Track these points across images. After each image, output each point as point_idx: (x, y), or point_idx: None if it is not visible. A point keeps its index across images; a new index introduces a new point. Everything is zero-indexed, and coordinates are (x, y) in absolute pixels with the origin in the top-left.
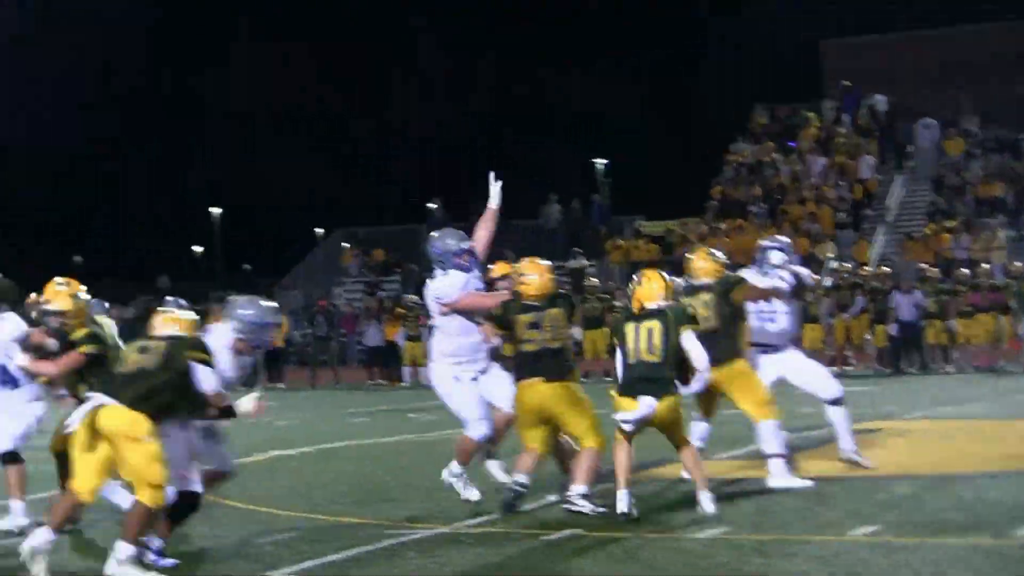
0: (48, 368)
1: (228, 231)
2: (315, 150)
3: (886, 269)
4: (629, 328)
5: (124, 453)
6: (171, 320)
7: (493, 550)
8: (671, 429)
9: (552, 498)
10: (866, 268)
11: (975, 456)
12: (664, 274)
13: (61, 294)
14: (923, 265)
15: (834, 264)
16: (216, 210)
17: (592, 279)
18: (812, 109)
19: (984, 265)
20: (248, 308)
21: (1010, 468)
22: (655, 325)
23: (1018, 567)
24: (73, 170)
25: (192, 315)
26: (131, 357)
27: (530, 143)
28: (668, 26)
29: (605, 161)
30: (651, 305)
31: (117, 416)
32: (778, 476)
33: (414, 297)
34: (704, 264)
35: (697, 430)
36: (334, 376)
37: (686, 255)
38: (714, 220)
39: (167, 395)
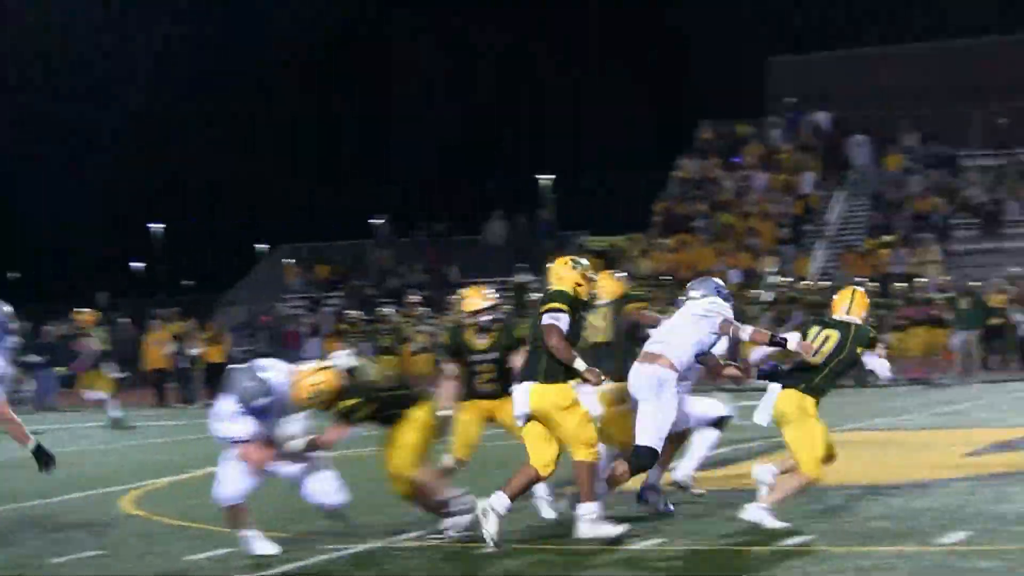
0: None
1: (169, 247)
2: (258, 163)
3: (825, 283)
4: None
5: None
6: None
7: (427, 561)
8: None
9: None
10: (805, 282)
11: (905, 466)
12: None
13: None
14: (860, 279)
15: (774, 279)
16: (157, 226)
17: (534, 294)
18: (756, 126)
19: (920, 279)
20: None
21: (938, 477)
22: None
23: (942, 572)
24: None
25: None
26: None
27: (476, 159)
28: (612, 43)
29: (551, 177)
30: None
31: (542, 394)
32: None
33: (357, 313)
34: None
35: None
36: None
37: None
38: (659, 235)
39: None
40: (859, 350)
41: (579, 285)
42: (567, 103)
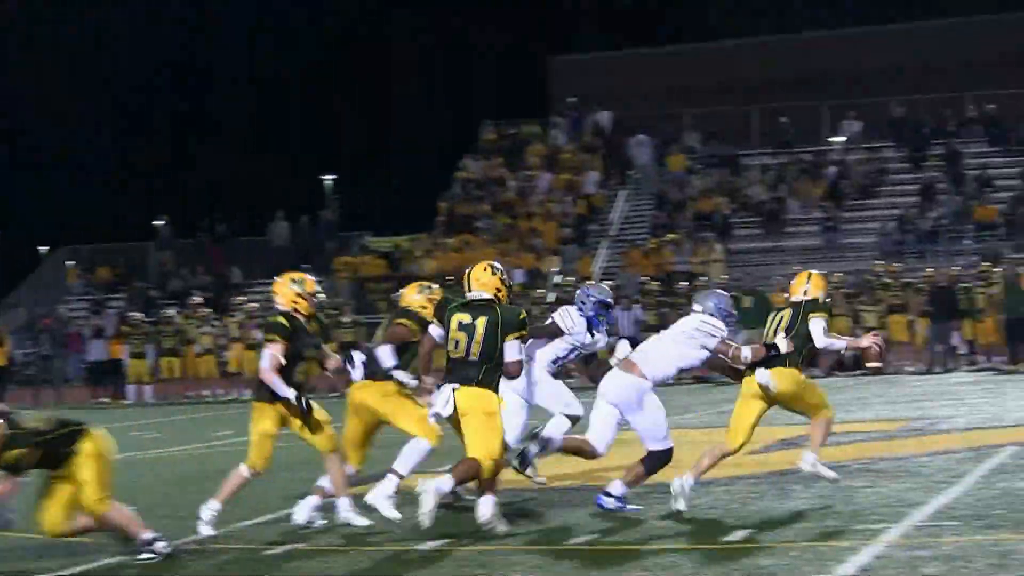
0: None
1: None
2: (40, 163)
3: (608, 283)
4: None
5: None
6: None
7: (209, 564)
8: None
9: (270, 516)
10: (589, 282)
11: (689, 464)
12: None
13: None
14: (644, 278)
15: (558, 279)
16: None
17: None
18: (540, 126)
19: (702, 278)
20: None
21: (722, 475)
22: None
23: (725, 570)
24: None
25: None
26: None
27: (257, 159)
28: (397, 41)
29: (333, 177)
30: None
31: (471, 395)
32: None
33: (140, 315)
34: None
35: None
36: (56, 395)
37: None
38: (442, 236)
39: None
40: (810, 316)
41: (499, 290)
42: (352, 104)
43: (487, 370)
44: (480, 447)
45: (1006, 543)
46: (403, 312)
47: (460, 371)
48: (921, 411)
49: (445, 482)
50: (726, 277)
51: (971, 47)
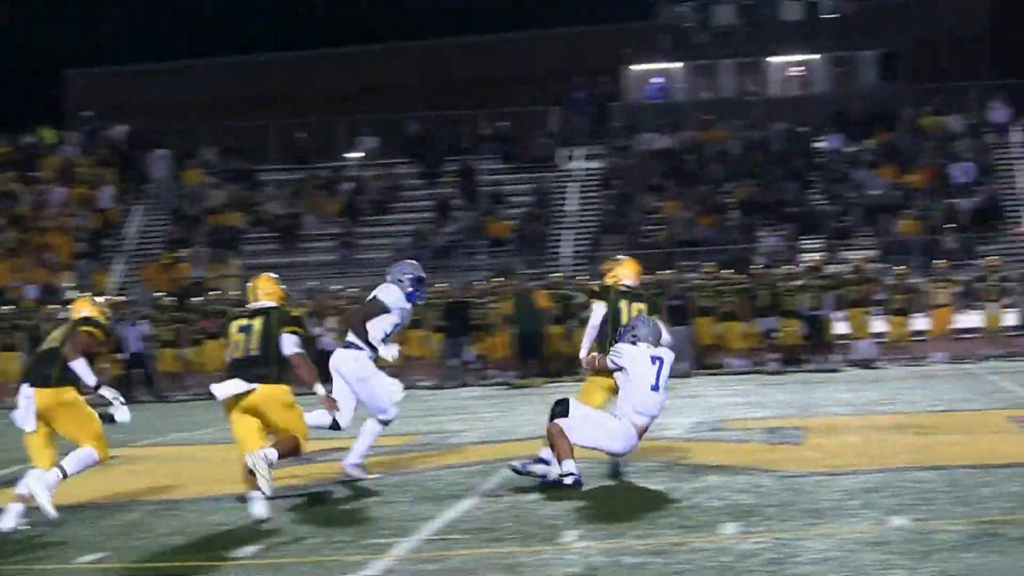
0: None
1: None
2: None
3: (122, 299)
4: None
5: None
6: None
7: None
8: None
9: None
10: (106, 297)
11: (203, 480)
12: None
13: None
14: (159, 293)
15: (72, 294)
16: None
17: None
18: (57, 136)
19: (216, 292)
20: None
21: (233, 492)
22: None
23: None
24: None
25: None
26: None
27: None
28: None
29: None
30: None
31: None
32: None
33: None
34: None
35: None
36: None
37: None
38: None
39: None
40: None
41: (282, 299)
42: None
43: (271, 366)
44: (294, 430)
45: (514, 555)
46: (86, 320)
47: (245, 369)
48: (433, 425)
49: (270, 452)
50: (240, 292)
51: (483, 65)
